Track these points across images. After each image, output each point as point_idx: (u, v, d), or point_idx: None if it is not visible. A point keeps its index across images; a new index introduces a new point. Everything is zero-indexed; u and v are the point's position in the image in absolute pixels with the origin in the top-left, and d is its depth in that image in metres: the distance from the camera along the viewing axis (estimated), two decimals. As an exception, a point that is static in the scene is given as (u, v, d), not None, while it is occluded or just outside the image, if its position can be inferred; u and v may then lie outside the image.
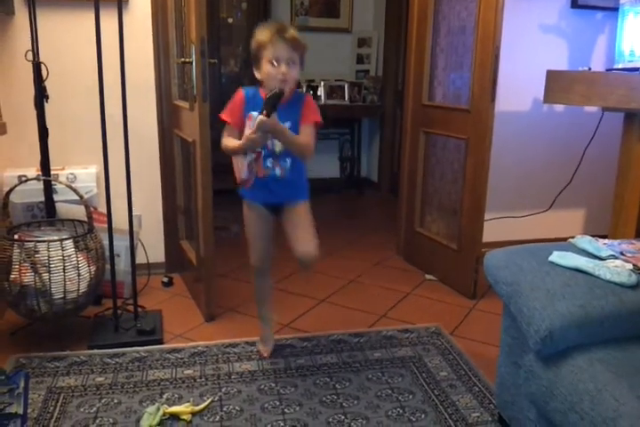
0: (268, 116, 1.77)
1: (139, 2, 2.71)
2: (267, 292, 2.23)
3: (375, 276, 3.12)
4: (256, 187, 1.98)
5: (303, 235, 2.01)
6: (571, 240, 1.72)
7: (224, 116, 1.94)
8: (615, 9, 2.63)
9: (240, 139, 1.88)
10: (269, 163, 1.94)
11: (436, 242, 3.07)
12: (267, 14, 4.83)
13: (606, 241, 1.72)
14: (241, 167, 1.96)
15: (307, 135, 1.91)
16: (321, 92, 4.84)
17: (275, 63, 1.83)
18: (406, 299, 2.81)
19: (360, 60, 5.25)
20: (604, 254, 1.60)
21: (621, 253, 1.61)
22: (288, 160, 1.95)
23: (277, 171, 1.95)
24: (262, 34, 1.85)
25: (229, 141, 1.92)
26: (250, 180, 1.96)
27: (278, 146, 1.92)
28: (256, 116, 1.80)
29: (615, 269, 1.49)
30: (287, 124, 1.88)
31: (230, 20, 4.89)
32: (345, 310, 2.67)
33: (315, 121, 1.93)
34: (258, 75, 1.91)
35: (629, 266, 1.52)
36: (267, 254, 2.10)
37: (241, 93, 1.94)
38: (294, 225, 2.02)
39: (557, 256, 1.57)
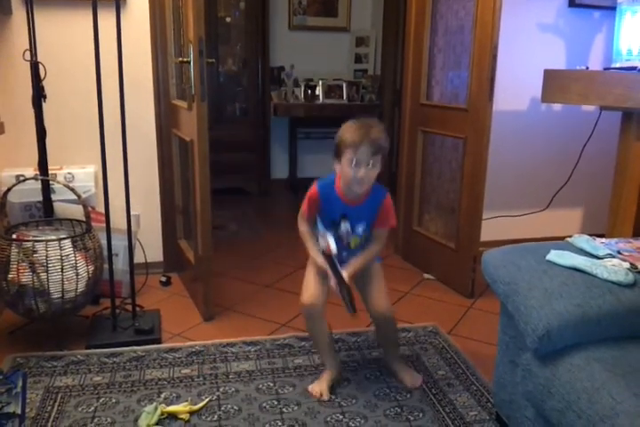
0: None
1: (137, 1, 2.71)
2: (329, 339, 2.06)
3: (373, 275, 3.12)
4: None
5: (377, 294, 2.01)
6: (568, 239, 1.73)
7: (305, 209, 1.95)
8: (613, 8, 2.62)
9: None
10: (344, 256, 1.96)
11: (434, 241, 3.08)
12: (265, 13, 4.83)
13: (604, 240, 1.72)
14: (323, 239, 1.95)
15: (381, 239, 1.97)
16: (319, 91, 4.84)
17: (354, 165, 1.81)
18: (404, 298, 2.81)
19: (358, 59, 5.26)
20: (601, 253, 1.60)
21: (619, 252, 1.61)
22: (359, 251, 1.98)
23: (349, 260, 1.97)
24: (348, 134, 1.82)
25: (307, 237, 1.97)
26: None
27: (354, 241, 1.97)
28: (329, 240, 1.84)
29: (612, 268, 1.50)
30: (361, 227, 1.94)
31: (228, 20, 4.89)
32: (342, 310, 2.67)
33: (391, 226, 1.97)
34: (337, 167, 1.89)
35: (626, 265, 1.53)
36: (320, 294, 1.98)
37: (315, 191, 1.92)
38: (368, 284, 2.02)
39: (555, 255, 1.57)
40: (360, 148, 1.78)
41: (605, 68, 2.58)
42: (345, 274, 1.86)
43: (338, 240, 1.90)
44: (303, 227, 1.97)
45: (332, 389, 1.97)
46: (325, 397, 1.94)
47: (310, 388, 1.98)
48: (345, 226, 1.93)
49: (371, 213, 1.93)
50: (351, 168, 1.80)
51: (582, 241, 1.68)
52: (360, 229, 1.94)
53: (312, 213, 1.93)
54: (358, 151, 1.78)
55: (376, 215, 1.94)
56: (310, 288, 1.97)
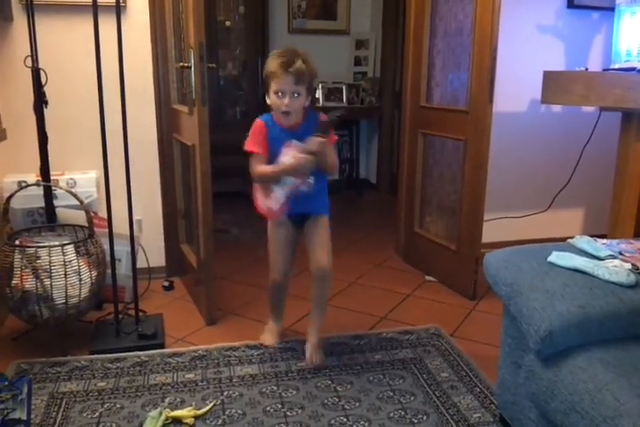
0: (321, 136, 1.87)
1: (137, 7, 2.72)
2: (283, 303, 2.34)
3: (375, 277, 3.13)
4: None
5: (320, 248, 2.10)
6: (569, 240, 1.73)
7: (251, 147, 1.97)
8: (611, 9, 2.64)
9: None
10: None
11: (436, 243, 3.08)
12: (264, 17, 4.85)
13: (605, 241, 1.73)
14: (272, 198, 1.98)
15: (334, 156, 2.02)
16: (319, 94, 4.85)
17: (279, 94, 1.88)
18: (406, 300, 2.82)
19: (358, 61, 5.27)
20: (602, 254, 1.60)
21: (620, 253, 1.62)
22: (312, 177, 2.00)
23: (304, 188, 1.99)
24: (271, 64, 1.89)
25: (266, 168, 1.95)
26: (282, 210, 2.00)
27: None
28: (296, 143, 1.90)
29: (614, 269, 1.50)
30: None
31: (228, 24, 4.90)
32: (345, 313, 2.68)
33: (334, 141, 2.01)
34: (268, 100, 1.96)
35: (628, 266, 1.53)
36: (289, 269, 2.15)
37: (260, 122, 1.99)
38: (312, 236, 2.11)
39: (556, 257, 1.58)
40: (282, 77, 1.85)
41: (605, 69, 2.60)
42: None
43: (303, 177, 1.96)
44: (266, 168, 1.95)
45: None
46: (269, 343, 2.28)
47: (261, 338, 2.31)
48: (292, 147, 1.93)
49: (312, 134, 1.93)
50: (277, 98, 1.89)
51: (583, 242, 1.68)
52: None
53: (263, 149, 1.95)
54: (281, 81, 1.86)
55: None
56: (278, 266, 2.16)
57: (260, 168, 1.96)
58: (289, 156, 1.91)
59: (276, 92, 1.89)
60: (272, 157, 1.96)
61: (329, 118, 1.93)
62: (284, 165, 1.91)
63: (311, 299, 2.21)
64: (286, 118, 1.94)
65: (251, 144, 1.97)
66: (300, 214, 2.10)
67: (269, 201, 1.99)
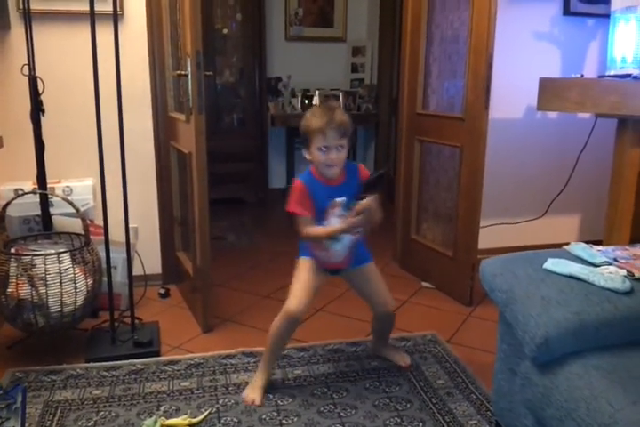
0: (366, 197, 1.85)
1: (134, 15, 2.73)
2: (285, 345, 2.13)
3: (372, 284, 3.12)
4: (325, 255, 2.01)
5: (383, 294, 2.14)
6: (565, 247, 1.73)
7: (295, 208, 1.91)
8: (607, 16, 2.64)
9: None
10: (344, 238, 1.98)
11: (432, 249, 3.08)
12: (261, 25, 4.86)
13: (600, 248, 1.73)
14: (332, 252, 1.99)
15: (379, 209, 1.97)
16: (316, 101, 4.86)
17: (324, 149, 1.86)
18: (403, 307, 2.81)
19: (355, 68, 5.29)
20: (598, 261, 1.60)
21: (615, 260, 1.62)
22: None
23: (351, 240, 2.01)
24: (314, 121, 1.87)
25: (318, 230, 1.93)
26: (346, 261, 2.02)
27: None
28: (342, 202, 1.90)
29: (609, 276, 1.50)
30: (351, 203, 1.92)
31: (225, 31, 4.91)
32: (342, 319, 2.67)
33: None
34: (307, 156, 1.93)
35: (623, 272, 1.53)
36: (308, 306, 2.01)
37: (300, 183, 1.93)
38: (370, 286, 2.12)
39: (552, 263, 1.58)
40: (327, 133, 1.83)
41: (600, 76, 2.60)
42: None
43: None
44: (317, 230, 1.93)
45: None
46: (257, 403, 1.95)
47: (245, 395, 1.99)
48: (338, 206, 1.93)
49: (354, 187, 1.93)
50: (322, 153, 1.86)
51: (579, 249, 1.68)
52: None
53: (307, 209, 1.91)
54: (326, 137, 1.84)
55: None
56: (301, 297, 1.96)
57: (312, 230, 1.93)
58: (336, 216, 1.91)
59: (321, 148, 1.86)
60: (317, 213, 1.93)
61: (374, 176, 1.90)
62: (335, 228, 1.91)
63: (375, 331, 2.27)
64: (331, 171, 1.90)
65: (294, 205, 1.92)
66: (339, 269, 2.08)
67: (329, 254, 1.99)
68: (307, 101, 4.85)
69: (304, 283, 1.99)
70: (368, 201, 1.84)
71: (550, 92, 2.51)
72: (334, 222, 1.92)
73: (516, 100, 3.21)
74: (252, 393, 1.99)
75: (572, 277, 1.52)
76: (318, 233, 1.93)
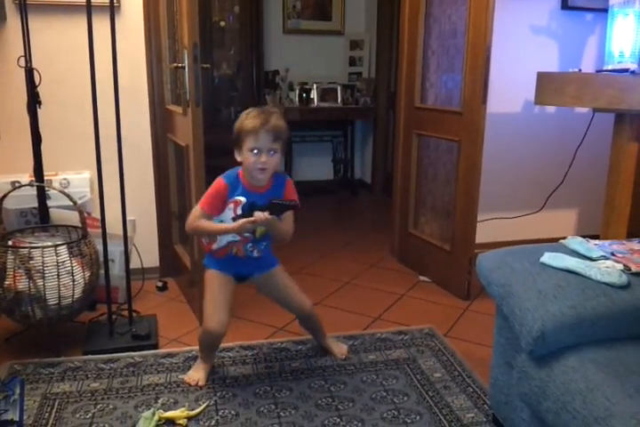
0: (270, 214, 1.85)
1: (131, 7, 2.71)
2: (217, 349, 2.16)
3: (369, 278, 3.13)
4: (228, 260, 2.01)
5: (295, 295, 2.12)
6: (562, 241, 1.74)
7: (205, 206, 1.91)
8: (605, 10, 2.64)
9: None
10: (249, 246, 2.00)
11: (430, 243, 3.09)
12: (259, 17, 4.85)
13: (597, 242, 1.73)
14: (212, 241, 1.99)
15: (289, 221, 1.99)
16: (314, 94, 4.85)
17: (255, 152, 1.84)
18: (400, 301, 2.82)
19: (352, 62, 5.27)
20: (594, 255, 1.61)
21: (612, 254, 1.63)
22: (264, 243, 2.02)
23: (255, 253, 2.02)
24: (247, 122, 1.85)
25: (207, 224, 1.92)
26: (224, 252, 2.00)
27: (259, 232, 1.97)
28: (245, 202, 1.89)
29: (606, 270, 1.51)
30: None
31: (223, 24, 4.90)
32: (339, 313, 2.68)
33: (295, 207, 1.96)
34: (238, 157, 1.92)
35: (620, 266, 1.54)
36: (227, 320, 2.01)
37: (222, 183, 1.91)
38: (279, 289, 2.11)
39: (549, 257, 1.58)
40: (260, 135, 1.82)
41: (598, 71, 2.60)
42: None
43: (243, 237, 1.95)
44: (207, 225, 1.92)
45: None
46: (202, 383, 2.03)
47: (187, 376, 2.06)
48: (238, 205, 1.92)
49: (278, 195, 1.93)
50: (253, 156, 1.84)
51: (576, 243, 1.69)
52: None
53: (215, 210, 1.91)
54: (259, 138, 1.82)
55: (283, 197, 1.95)
56: (216, 315, 1.98)
57: (202, 224, 1.91)
58: (231, 211, 1.91)
59: (252, 150, 1.84)
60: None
61: (285, 202, 1.89)
62: (225, 228, 1.90)
63: (309, 330, 2.27)
64: (261, 176, 1.88)
65: (205, 205, 1.91)
66: (245, 276, 2.08)
67: (209, 240, 2.00)
68: (304, 95, 4.84)
69: (213, 299, 2.01)
70: (264, 217, 1.83)
71: (548, 86, 2.51)
72: (227, 216, 1.92)
73: (514, 94, 3.21)
74: (197, 374, 2.06)
75: (568, 271, 1.53)
76: (210, 229, 1.93)
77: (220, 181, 1.92)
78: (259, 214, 1.84)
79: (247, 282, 2.11)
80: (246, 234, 1.95)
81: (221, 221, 1.94)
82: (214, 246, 2.00)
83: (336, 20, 5.21)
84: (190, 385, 2.02)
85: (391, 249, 3.49)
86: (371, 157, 5.33)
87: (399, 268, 3.30)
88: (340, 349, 2.26)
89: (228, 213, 1.92)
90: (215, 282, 2.02)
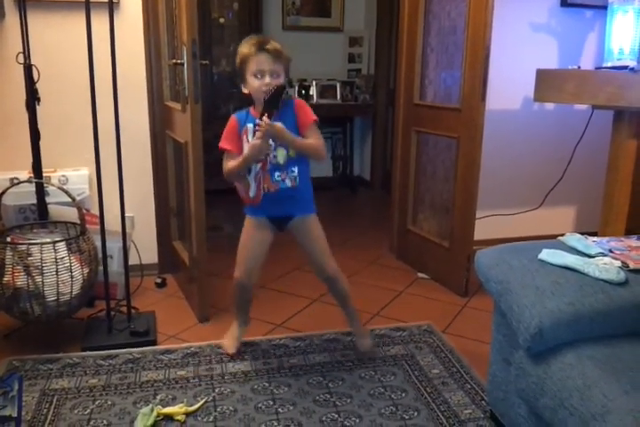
0: (269, 116, 1.77)
1: (130, 3, 2.71)
2: (248, 306, 2.23)
3: (368, 274, 3.13)
4: (265, 201, 1.97)
5: (319, 255, 2.07)
6: (560, 238, 1.74)
7: (223, 144, 1.93)
8: (604, 7, 2.64)
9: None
10: (277, 176, 1.94)
11: (428, 240, 3.09)
12: (258, 14, 4.84)
13: (595, 239, 1.74)
14: (247, 186, 1.97)
15: (315, 137, 1.92)
16: (313, 91, 4.85)
17: (259, 75, 1.85)
18: (399, 297, 2.82)
19: (352, 59, 5.26)
20: (592, 252, 1.61)
21: (610, 251, 1.63)
22: (295, 169, 1.95)
23: (288, 182, 1.95)
24: (244, 47, 1.87)
25: (231, 162, 1.92)
26: (259, 195, 1.97)
27: (281, 156, 1.92)
28: (253, 127, 1.84)
29: (604, 267, 1.51)
30: None
31: (222, 20, 4.89)
32: (338, 309, 2.66)
33: (313, 120, 1.93)
34: (244, 89, 1.92)
35: (618, 263, 1.54)
36: (255, 269, 2.06)
37: (233, 118, 1.95)
38: (307, 243, 2.06)
39: (547, 254, 1.58)
40: (260, 56, 1.83)
41: (597, 68, 2.60)
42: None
43: (267, 159, 1.92)
44: (231, 163, 1.91)
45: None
46: (231, 351, 2.18)
47: (223, 344, 2.22)
48: (249, 132, 1.91)
49: (290, 120, 1.89)
50: (256, 80, 1.85)
51: (574, 240, 1.69)
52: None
53: (234, 145, 1.92)
54: (259, 60, 1.83)
55: (296, 120, 1.92)
56: (244, 263, 2.06)
57: (227, 165, 1.93)
58: (247, 143, 1.89)
59: (255, 74, 1.85)
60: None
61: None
62: (243, 156, 1.88)
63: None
64: None
65: (223, 141, 1.94)
66: (282, 217, 2.03)
67: (245, 190, 1.98)
68: (303, 91, 4.84)
69: (244, 246, 2.06)
70: (265, 122, 1.78)
71: (547, 83, 2.51)
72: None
73: (513, 91, 3.20)
74: (227, 341, 2.22)
75: (566, 267, 1.53)
76: (231, 165, 1.92)
77: (231, 118, 1.96)
78: (258, 122, 1.80)
79: (287, 228, 2.04)
80: (262, 158, 1.89)
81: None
82: (250, 193, 1.96)
83: (335, 16, 5.20)
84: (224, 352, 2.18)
85: (390, 246, 3.49)
86: (370, 153, 5.33)
87: (398, 265, 3.30)
88: (363, 343, 2.21)
89: (246, 147, 1.90)
90: (249, 228, 2.04)
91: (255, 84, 1.85)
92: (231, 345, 2.20)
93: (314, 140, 1.92)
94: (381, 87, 5.06)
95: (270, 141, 1.87)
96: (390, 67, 4.90)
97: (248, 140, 1.90)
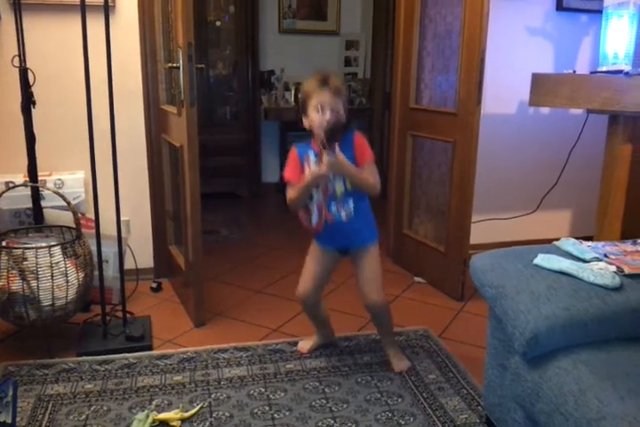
0: (328, 147, 1.83)
1: (126, 7, 2.71)
2: (320, 318, 2.30)
3: (364, 278, 3.12)
4: (326, 232, 2.02)
5: (368, 284, 2.09)
6: (555, 243, 1.74)
7: (287, 174, 1.97)
8: (599, 12, 2.65)
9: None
10: (333, 207, 1.98)
11: (424, 244, 3.09)
12: (254, 17, 4.84)
13: (590, 243, 1.74)
14: (310, 214, 2.00)
15: (371, 174, 1.96)
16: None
17: (319, 109, 1.90)
18: (395, 302, 2.82)
19: (348, 62, 5.28)
20: (587, 257, 1.61)
21: (605, 256, 1.63)
22: (350, 202, 1.99)
23: (342, 214, 1.99)
24: (308, 84, 1.95)
25: (292, 191, 1.95)
26: (321, 223, 2.00)
27: (338, 187, 1.96)
28: (315, 159, 1.92)
29: (599, 272, 1.51)
30: None
31: (218, 24, 4.89)
32: (334, 314, 2.67)
33: (372, 158, 1.98)
34: (306, 124, 1.96)
35: (613, 268, 1.54)
36: (317, 289, 2.14)
37: (294, 152, 1.99)
38: (360, 271, 2.10)
39: (542, 259, 1.59)
40: (322, 92, 1.90)
41: (592, 72, 2.60)
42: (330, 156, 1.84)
43: (324, 193, 1.96)
44: (294, 190, 1.95)
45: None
46: (304, 351, 2.27)
47: (300, 345, 2.31)
48: (311, 162, 1.95)
49: (348, 154, 1.91)
50: (316, 113, 1.90)
51: (569, 245, 1.69)
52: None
53: (294, 172, 1.96)
54: (321, 95, 1.90)
55: (354, 154, 1.95)
56: (306, 281, 2.13)
57: (289, 194, 1.97)
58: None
59: (317, 108, 1.90)
60: None
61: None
62: (304, 183, 1.92)
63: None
64: None
65: (287, 173, 1.98)
66: (344, 247, 2.09)
67: (307, 218, 2.02)
68: (299, 95, 4.84)
69: (307, 267, 2.14)
70: (326, 155, 1.82)
71: (542, 87, 2.52)
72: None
73: (509, 95, 3.21)
74: (305, 343, 2.31)
75: (561, 272, 1.53)
76: (296, 191, 1.95)
77: (292, 151, 2.01)
78: (312, 159, 1.92)
79: (349, 255, 2.11)
80: (326, 185, 1.95)
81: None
82: (313, 220, 2.00)
83: (331, 20, 5.22)
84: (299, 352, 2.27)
85: (386, 250, 3.49)
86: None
87: (394, 269, 3.30)
88: (399, 363, 2.18)
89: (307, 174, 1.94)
90: (312, 252, 2.14)
91: (316, 118, 1.91)
92: (306, 346, 2.30)
93: (368, 174, 1.96)
94: (377, 91, 5.07)
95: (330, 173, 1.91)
96: (386, 70, 4.91)
97: (310, 169, 1.95)
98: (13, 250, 2.13)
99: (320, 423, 1.82)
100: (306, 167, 1.96)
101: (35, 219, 2.47)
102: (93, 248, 2.33)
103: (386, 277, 3.12)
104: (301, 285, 2.14)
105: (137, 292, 2.76)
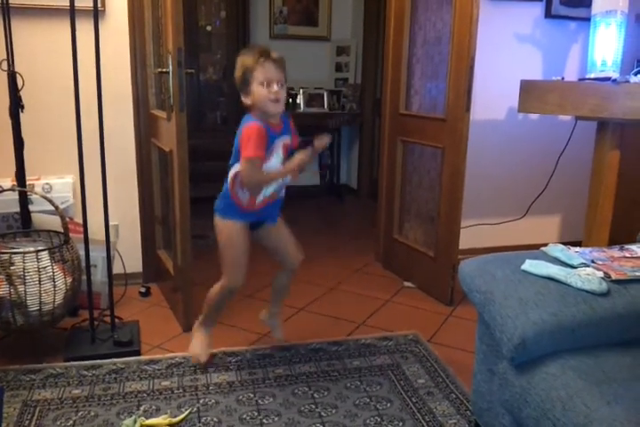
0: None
1: (115, 11, 2.70)
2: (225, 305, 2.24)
3: (354, 283, 3.13)
4: (263, 207, 2.03)
5: (293, 246, 2.17)
6: (543, 249, 1.75)
7: (258, 152, 1.85)
8: (588, 19, 2.67)
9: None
10: (281, 187, 2.03)
11: (414, 249, 3.10)
12: (245, 22, 4.85)
13: (578, 249, 1.75)
14: (257, 193, 1.99)
15: None
16: (300, 100, 4.86)
17: (266, 84, 1.85)
18: (385, 306, 2.82)
19: (339, 68, 5.29)
20: (575, 263, 1.62)
21: (592, 261, 1.64)
22: (287, 179, 2.03)
23: (282, 193, 2.06)
24: (248, 58, 1.87)
25: (271, 173, 1.93)
26: (265, 202, 2.02)
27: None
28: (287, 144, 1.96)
29: (586, 277, 1.52)
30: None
31: (209, 28, 4.90)
32: (323, 319, 2.68)
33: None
34: (247, 100, 1.90)
35: (600, 274, 1.55)
36: (245, 274, 2.11)
37: (258, 126, 1.86)
38: (281, 238, 2.15)
39: (530, 265, 1.59)
40: (266, 65, 1.84)
41: (580, 79, 2.63)
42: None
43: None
44: (266, 175, 1.92)
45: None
46: (203, 359, 2.16)
47: (193, 352, 2.19)
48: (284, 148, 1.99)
49: (289, 132, 1.97)
50: (264, 88, 1.85)
51: (557, 250, 1.70)
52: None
53: (263, 151, 1.88)
54: (266, 69, 1.85)
55: (291, 136, 2.00)
56: (239, 270, 2.07)
57: (263, 175, 1.91)
58: (278, 157, 1.95)
59: (262, 83, 1.85)
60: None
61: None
62: (283, 171, 1.93)
63: (278, 289, 2.28)
64: (278, 107, 1.88)
65: (257, 149, 1.84)
66: (262, 221, 2.10)
67: (248, 196, 1.99)
68: (290, 100, 4.84)
69: (234, 253, 2.05)
70: (327, 138, 1.93)
71: (531, 94, 2.53)
72: (275, 162, 1.93)
73: (498, 101, 3.23)
74: (197, 349, 2.18)
75: (549, 278, 1.54)
76: (275, 176, 1.95)
77: (252, 125, 1.86)
78: (321, 138, 1.95)
79: (258, 229, 2.10)
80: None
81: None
82: (258, 199, 1.98)
83: (322, 25, 5.23)
84: (195, 363, 2.17)
85: (376, 255, 3.50)
86: (357, 162, 5.35)
87: (384, 273, 3.30)
88: (280, 333, 2.31)
89: (275, 159, 1.93)
90: (238, 232, 2.04)
91: (263, 93, 1.85)
92: (203, 354, 2.18)
93: None
94: (368, 96, 5.08)
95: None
96: (377, 76, 4.93)
97: (285, 156, 1.96)
98: (0, 255, 2.12)
99: (309, 429, 1.82)
100: (280, 150, 1.94)
101: (22, 223, 2.45)
102: (82, 253, 2.31)
103: (376, 281, 3.17)
104: (233, 277, 2.07)
105: (125, 296, 2.74)
